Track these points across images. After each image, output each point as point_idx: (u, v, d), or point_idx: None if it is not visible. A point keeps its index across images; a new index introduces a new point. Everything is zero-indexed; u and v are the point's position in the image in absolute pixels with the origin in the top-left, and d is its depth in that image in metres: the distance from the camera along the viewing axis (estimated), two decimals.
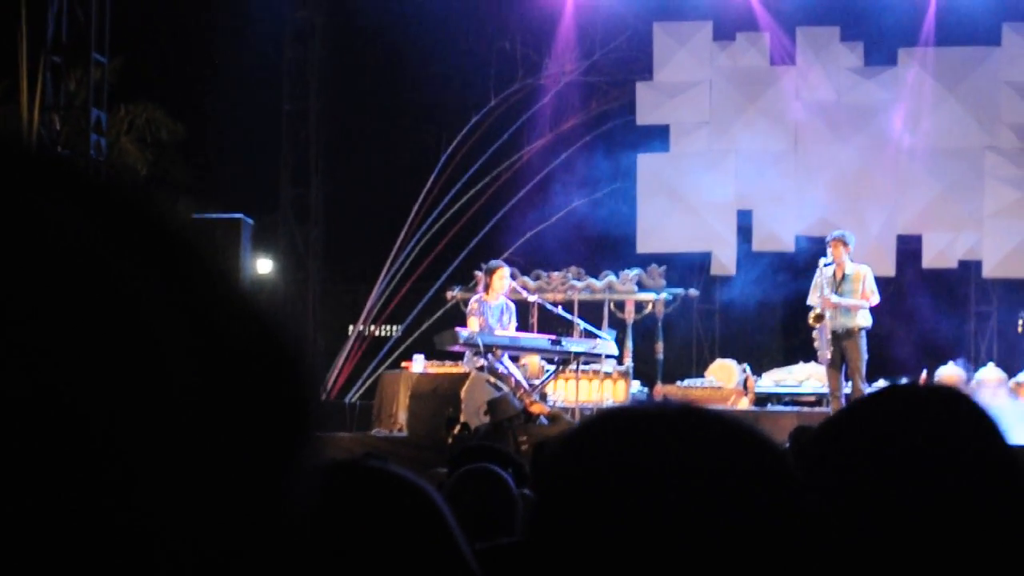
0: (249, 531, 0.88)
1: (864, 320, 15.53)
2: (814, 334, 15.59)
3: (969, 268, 20.79)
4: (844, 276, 15.50)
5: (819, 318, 15.38)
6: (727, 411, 1.64)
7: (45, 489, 0.78)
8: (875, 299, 15.61)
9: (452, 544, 1.98)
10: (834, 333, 15.49)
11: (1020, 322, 16.32)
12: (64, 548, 0.79)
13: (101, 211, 0.83)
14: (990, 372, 18.91)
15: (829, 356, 15.44)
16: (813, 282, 15.87)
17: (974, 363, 19.04)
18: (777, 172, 20.92)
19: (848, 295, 15.41)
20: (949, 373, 18.69)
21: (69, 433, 0.79)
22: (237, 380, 0.87)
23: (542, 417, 15.10)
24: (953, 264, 20.65)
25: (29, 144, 0.84)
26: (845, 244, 15.59)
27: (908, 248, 20.69)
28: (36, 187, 0.82)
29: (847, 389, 15.66)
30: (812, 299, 15.75)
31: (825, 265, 15.76)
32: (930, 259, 20.58)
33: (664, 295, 20.02)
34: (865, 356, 15.58)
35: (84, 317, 0.79)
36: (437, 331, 16.41)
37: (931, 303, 19.30)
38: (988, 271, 20.54)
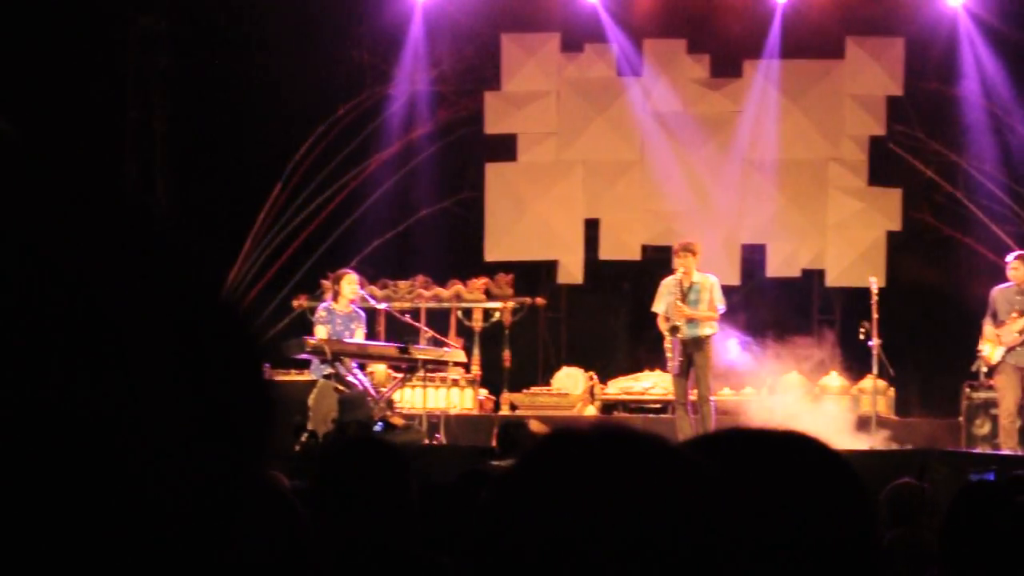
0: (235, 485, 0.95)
1: (712, 329, 15.68)
2: (667, 344, 15.69)
3: (812, 277, 21.08)
4: (691, 285, 15.64)
5: (675, 330, 15.48)
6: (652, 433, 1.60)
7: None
8: (722, 308, 15.78)
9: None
10: (682, 342, 15.62)
11: (861, 331, 16.55)
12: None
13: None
14: (833, 380, 19.20)
15: (678, 365, 15.56)
16: (659, 290, 15.99)
17: (817, 372, 19.31)
18: (624, 182, 21.07)
19: (695, 304, 15.56)
20: (791, 382, 18.95)
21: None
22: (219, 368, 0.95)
23: (390, 424, 15.08)
24: (796, 273, 20.93)
25: None
26: (692, 253, 15.73)
27: (753, 257, 20.94)
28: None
29: (692, 397, 15.80)
30: (657, 306, 15.86)
31: (672, 274, 15.89)
32: (774, 268, 20.85)
33: (511, 303, 20.08)
34: (712, 365, 15.74)
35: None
36: (284, 339, 16.29)
37: (775, 312, 19.54)
38: (831, 280, 20.85)
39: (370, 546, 4.01)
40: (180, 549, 0.90)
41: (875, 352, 16.19)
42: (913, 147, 20.54)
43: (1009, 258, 15.77)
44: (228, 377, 0.93)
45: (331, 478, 4.19)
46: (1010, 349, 15.33)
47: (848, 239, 20.74)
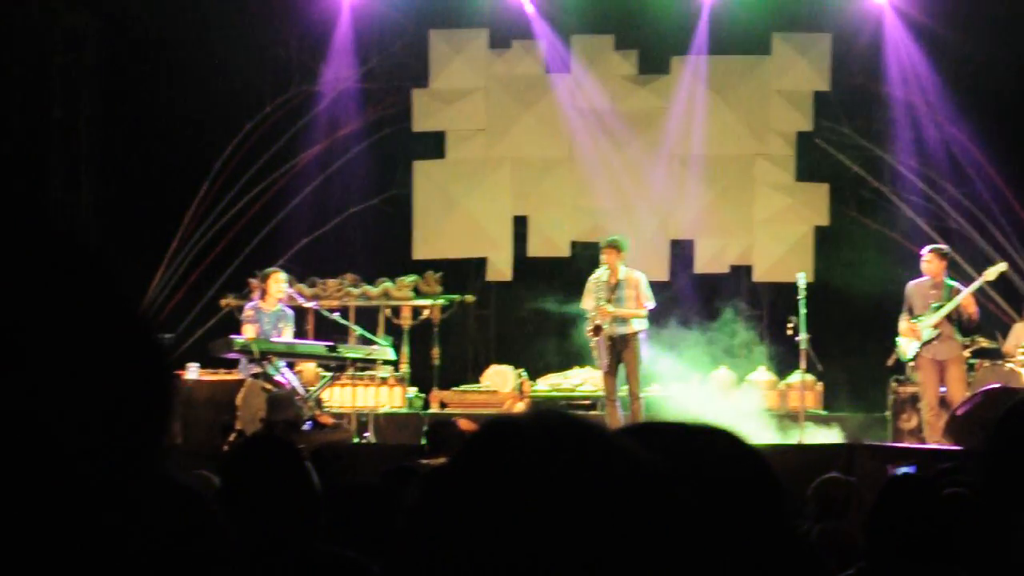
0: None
1: (640, 325, 15.71)
2: (592, 343, 15.70)
3: (740, 273, 21.17)
4: (618, 282, 15.66)
5: (597, 330, 15.49)
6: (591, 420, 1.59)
7: None
8: (650, 304, 15.80)
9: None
10: (611, 339, 15.64)
11: (789, 326, 16.62)
12: None
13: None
14: (761, 375, 19.28)
15: (608, 363, 15.57)
16: (586, 287, 15.99)
17: (745, 367, 19.38)
18: (552, 179, 21.09)
19: (622, 300, 15.57)
20: (720, 377, 19.02)
21: None
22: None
23: (319, 424, 15.03)
24: (725, 269, 21.01)
25: None
26: (619, 250, 15.76)
27: (681, 253, 21.01)
28: None
29: (622, 392, 15.82)
30: (585, 304, 15.88)
31: (599, 271, 15.91)
32: (702, 264, 20.92)
33: (440, 301, 20.06)
34: (642, 361, 15.76)
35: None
36: (212, 339, 16.22)
37: (703, 307, 19.60)
38: (759, 276, 20.94)
39: (276, 545, 4.00)
40: (80, 529, 0.92)
41: (803, 347, 16.25)
42: (840, 142, 20.66)
43: (923, 252, 15.87)
44: (126, 375, 0.96)
45: (233, 477, 4.18)
46: (926, 343, 15.42)
47: (776, 234, 20.83)
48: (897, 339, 15.87)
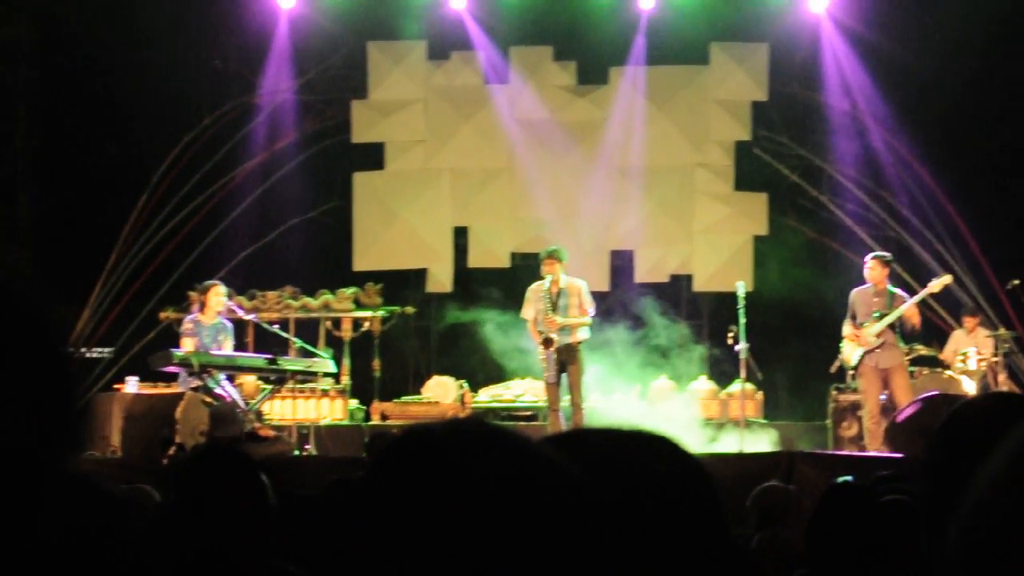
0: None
1: (584, 334, 15.71)
2: (540, 355, 15.66)
3: (680, 282, 21.23)
4: (560, 290, 15.66)
5: (548, 343, 15.47)
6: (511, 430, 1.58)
7: None
8: (592, 310, 15.82)
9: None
10: (556, 349, 15.62)
11: (729, 335, 16.66)
12: None
13: None
14: (702, 384, 19.34)
15: (553, 373, 15.55)
16: (527, 296, 15.98)
17: (686, 376, 19.43)
18: (492, 190, 21.10)
19: (566, 308, 15.56)
20: (661, 386, 19.06)
21: None
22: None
23: (258, 436, 14.96)
24: (665, 279, 21.07)
25: None
26: (559, 260, 15.75)
27: (621, 263, 21.05)
28: None
29: (564, 402, 15.81)
30: (526, 313, 15.86)
31: (540, 281, 15.91)
32: (643, 274, 20.97)
33: (381, 313, 20.03)
34: (585, 370, 15.76)
35: None
36: (151, 352, 16.11)
37: (644, 317, 19.62)
38: (699, 285, 21.02)
39: (224, 558, 3.98)
40: None
41: (743, 356, 16.30)
42: (778, 152, 20.76)
43: (867, 259, 15.94)
44: (23, 381, 0.95)
45: (186, 489, 4.14)
46: (869, 351, 15.49)
47: (715, 244, 20.90)
48: (841, 345, 15.92)
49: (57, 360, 1.00)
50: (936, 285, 15.71)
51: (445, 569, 1.43)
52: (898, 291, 15.61)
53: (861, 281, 15.75)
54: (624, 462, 1.89)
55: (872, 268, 15.61)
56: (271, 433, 15.63)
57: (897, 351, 15.51)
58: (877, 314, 15.38)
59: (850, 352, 15.68)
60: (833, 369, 16.70)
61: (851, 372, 16.33)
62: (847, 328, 15.67)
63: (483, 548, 1.44)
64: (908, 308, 15.25)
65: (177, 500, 4.13)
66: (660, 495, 1.88)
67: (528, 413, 18.81)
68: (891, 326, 15.38)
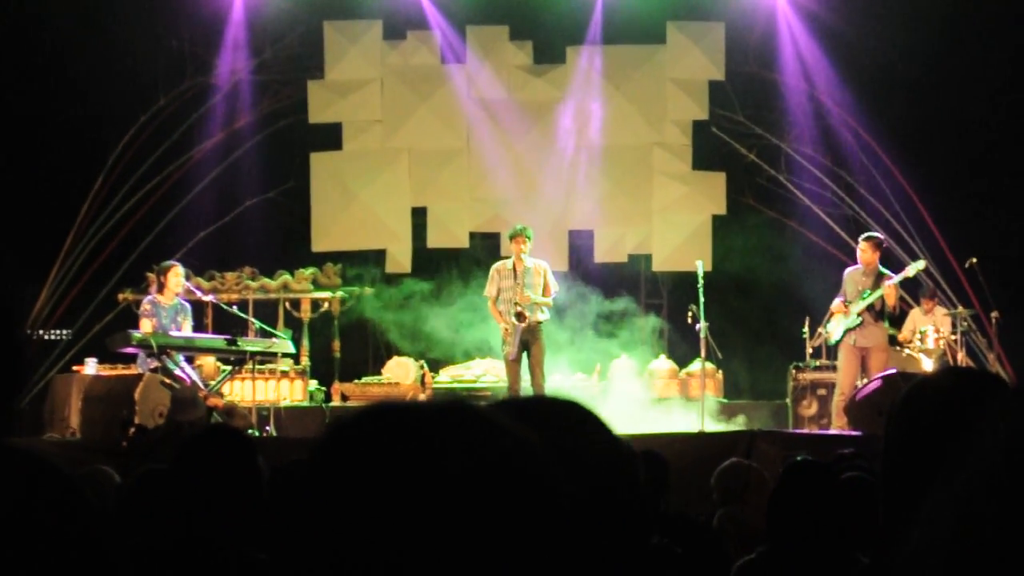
0: None
1: (545, 315, 15.74)
2: (506, 329, 15.65)
3: (639, 262, 21.26)
4: (524, 270, 15.67)
5: (521, 316, 15.47)
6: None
7: None
8: (556, 292, 15.87)
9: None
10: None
11: (689, 314, 16.68)
12: None
13: None
14: (662, 363, 19.37)
15: (515, 351, 15.57)
16: (490, 274, 15.98)
17: (646, 356, 19.47)
18: (450, 170, 21.08)
19: (530, 288, 15.59)
20: (621, 366, 19.10)
21: None
22: None
23: (215, 412, 14.93)
24: (624, 258, 21.10)
25: None
26: (528, 238, 15.77)
27: (581, 243, 21.07)
28: None
29: (524, 382, 15.82)
30: (489, 291, 15.87)
31: (503, 260, 15.92)
32: (602, 253, 21.00)
33: (340, 293, 20.01)
34: (544, 350, 15.77)
35: None
36: (109, 333, 16.05)
37: (603, 297, 19.64)
38: (657, 264, 21.05)
39: (207, 543, 4.00)
40: None
41: (702, 335, 16.33)
42: (735, 131, 20.80)
43: (859, 240, 16.03)
44: None
45: (189, 465, 4.16)
46: (849, 330, 15.57)
47: (674, 223, 20.94)
48: (828, 319, 15.98)
49: (9, 339, 1.02)
50: (911, 269, 15.79)
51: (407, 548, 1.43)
52: (887, 273, 15.69)
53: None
54: (546, 430, 1.91)
55: (863, 250, 15.72)
56: (222, 404, 15.56)
57: (877, 331, 15.60)
58: (864, 294, 15.48)
59: (835, 327, 15.77)
60: (815, 342, 16.79)
61: (831, 345, 16.43)
62: (837, 304, 15.76)
63: (449, 528, 1.43)
64: (886, 289, 15.33)
65: (177, 479, 4.15)
66: (580, 456, 1.91)
67: (488, 393, 18.81)
68: (871, 307, 15.48)
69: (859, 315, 15.48)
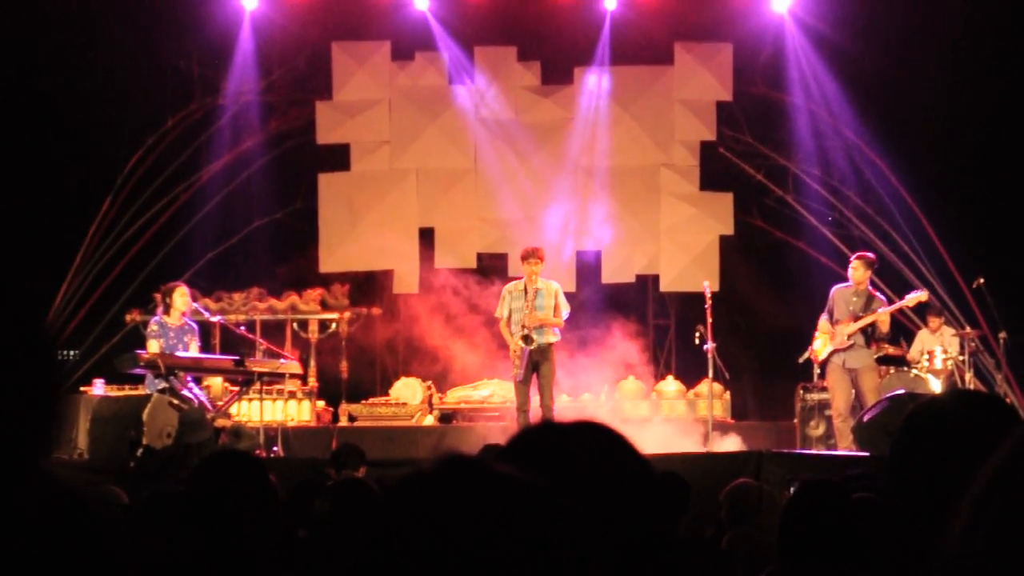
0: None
1: (555, 336, 15.69)
2: (515, 352, 15.58)
3: (646, 282, 21.24)
4: (537, 291, 15.62)
5: (528, 340, 15.41)
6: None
7: None
8: (566, 314, 15.82)
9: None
10: (529, 350, 15.57)
11: (696, 335, 16.67)
12: None
13: None
14: (669, 384, 19.35)
15: (523, 372, 15.50)
16: (502, 295, 15.95)
17: (654, 376, 19.45)
18: (458, 190, 21.08)
19: (542, 309, 15.54)
20: (628, 387, 19.08)
21: None
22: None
23: (223, 432, 14.92)
24: (631, 279, 21.07)
25: None
26: (540, 259, 15.71)
27: (588, 264, 21.05)
28: None
29: (533, 403, 15.78)
30: (500, 311, 15.82)
31: (515, 280, 15.90)
32: (609, 274, 20.98)
33: (347, 314, 20.01)
34: (555, 372, 15.73)
35: None
36: (117, 354, 16.06)
37: (611, 318, 19.63)
38: (665, 285, 21.02)
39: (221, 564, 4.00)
40: None
41: (710, 356, 16.31)
42: (743, 152, 20.78)
43: (851, 258, 15.99)
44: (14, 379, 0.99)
45: (203, 489, 4.17)
46: (837, 351, 15.54)
47: (681, 244, 20.92)
48: (816, 337, 15.95)
49: (46, 360, 1.03)
50: (911, 300, 15.78)
51: None
52: (878, 295, 15.67)
53: (830, 279, 15.79)
54: (575, 456, 1.93)
55: (855, 268, 15.68)
56: (228, 423, 15.55)
57: (865, 352, 15.58)
58: (855, 314, 15.45)
59: (821, 347, 15.74)
60: (802, 359, 16.72)
61: (817, 366, 16.40)
62: (823, 323, 15.72)
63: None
64: (880, 316, 15.31)
65: (193, 502, 4.15)
66: (606, 478, 1.92)
67: (495, 414, 18.78)
68: (862, 329, 15.45)
69: (849, 336, 15.46)
